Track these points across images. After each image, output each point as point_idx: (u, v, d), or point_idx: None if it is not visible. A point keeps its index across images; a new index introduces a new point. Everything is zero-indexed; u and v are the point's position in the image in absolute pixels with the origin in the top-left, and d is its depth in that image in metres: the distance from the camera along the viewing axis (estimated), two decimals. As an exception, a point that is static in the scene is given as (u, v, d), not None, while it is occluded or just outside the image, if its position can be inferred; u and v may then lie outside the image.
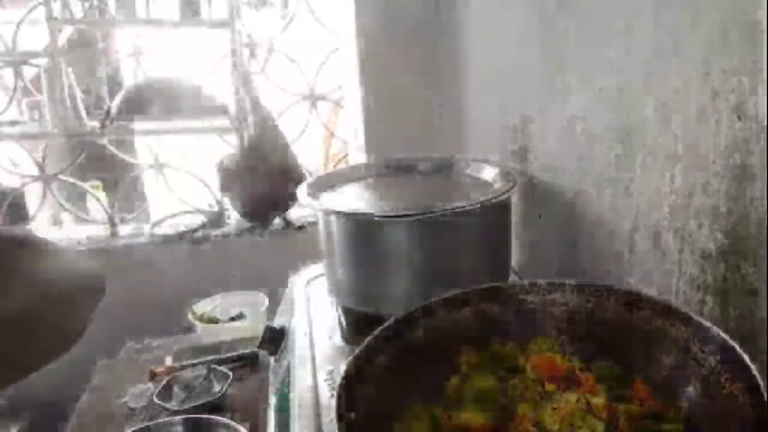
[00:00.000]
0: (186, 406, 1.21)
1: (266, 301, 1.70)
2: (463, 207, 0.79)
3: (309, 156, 2.24)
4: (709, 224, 0.61)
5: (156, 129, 1.92)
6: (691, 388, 0.51)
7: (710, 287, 0.63)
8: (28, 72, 1.96)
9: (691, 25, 0.60)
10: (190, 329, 1.70)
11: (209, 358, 1.41)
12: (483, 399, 0.56)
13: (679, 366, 0.53)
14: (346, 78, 1.80)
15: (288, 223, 1.99)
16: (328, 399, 0.71)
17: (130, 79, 2.13)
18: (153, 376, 1.34)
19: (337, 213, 0.84)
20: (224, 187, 1.94)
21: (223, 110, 1.82)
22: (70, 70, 1.79)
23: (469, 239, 0.84)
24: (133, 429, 1.14)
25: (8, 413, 1.71)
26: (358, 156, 1.70)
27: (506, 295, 0.65)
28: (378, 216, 0.79)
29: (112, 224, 1.99)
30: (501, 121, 1.18)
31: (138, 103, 1.76)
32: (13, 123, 1.95)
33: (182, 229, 1.97)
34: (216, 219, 2.05)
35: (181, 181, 2.05)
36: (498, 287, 0.66)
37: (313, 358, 0.82)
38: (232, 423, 1.13)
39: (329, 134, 2.22)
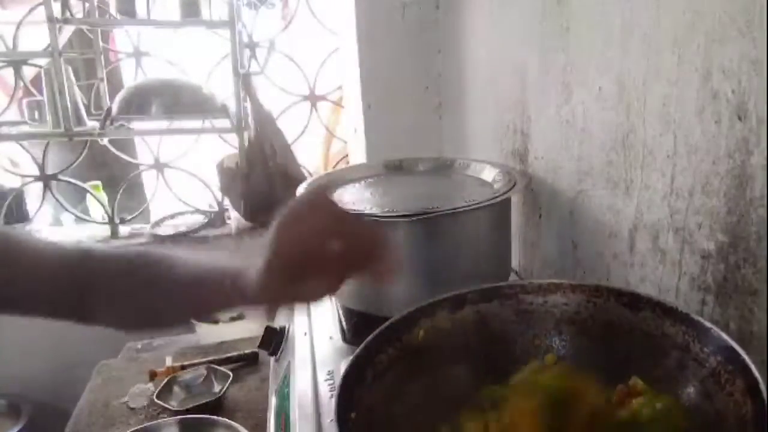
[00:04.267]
0: (186, 406, 1.21)
1: (266, 301, 1.70)
2: (463, 207, 0.79)
3: (309, 156, 2.24)
4: (709, 224, 0.61)
5: (156, 129, 1.92)
6: (691, 388, 0.51)
7: (710, 287, 0.62)
8: (28, 72, 1.96)
9: (691, 24, 0.60)
10: (190, 329, 1.70)
11: (209, 358, 1.41)
12: None
13: (679, 366, 0.53)
14: (346, 78, 1.80)
15: (288, 224, 1.99)
16: (328, 399, 0.71)
17: (130, 79, 2.13)
18: (153, 376, 1.34)
19: (337, 213, 0.84)
20: (224, 187, 1.94)
21: (223, 110, 1.82)
22: (70, 70, 1.79)
23: (469, 239, 0.84)
24: (133, 429, 1.14)
25: (8, 413, 1.71)
26: (358, 156, 1.70)
27: (506, 295, 0.65)
28: (378, 216, 0.79)
29: (112, 224, 1.98)
30: (501, 121, 1.18)
31: (138, 103, 1.76)
32: (13, 123, 1.95)
33: (182, 229, 1.97)
34: (216, 219, 2.05)
35: (181, 181, 2.05)
36: (498, 287, 0.66)
37: (313, 358, 0.82)
38: (232, 423, 1.13)
39: (329, 134, 2.22)
